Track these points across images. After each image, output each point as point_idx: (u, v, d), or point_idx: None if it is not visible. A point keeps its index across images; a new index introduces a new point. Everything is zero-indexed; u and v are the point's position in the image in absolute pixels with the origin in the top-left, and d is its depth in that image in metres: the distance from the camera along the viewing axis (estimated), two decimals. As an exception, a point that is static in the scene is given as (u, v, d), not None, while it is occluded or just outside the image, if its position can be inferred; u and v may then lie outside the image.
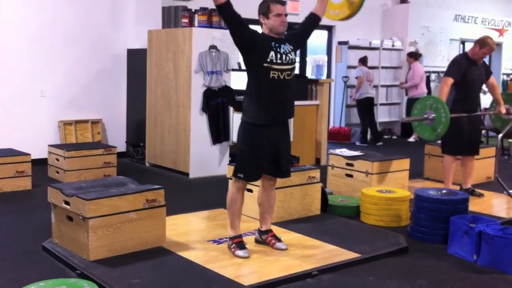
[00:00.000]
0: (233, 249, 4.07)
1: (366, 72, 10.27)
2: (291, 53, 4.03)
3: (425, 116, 5.54)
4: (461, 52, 13.17)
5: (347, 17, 4.63)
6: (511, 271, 3.94)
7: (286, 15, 3.98)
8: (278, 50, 3.96)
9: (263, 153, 4.03)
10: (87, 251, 3.87)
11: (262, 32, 4.05)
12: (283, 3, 4.00)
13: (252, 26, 4.04)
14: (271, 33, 4.00)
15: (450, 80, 5.63)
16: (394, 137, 11.41)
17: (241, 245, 4.08)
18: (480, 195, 6.07)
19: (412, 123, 5.83)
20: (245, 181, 4.11)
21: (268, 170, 4.12)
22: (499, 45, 14.07)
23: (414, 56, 10.81)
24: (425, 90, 10.68)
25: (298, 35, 4.25)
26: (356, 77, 10.27)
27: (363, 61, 10.43)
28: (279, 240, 4.26)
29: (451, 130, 5.51)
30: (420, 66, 10.81)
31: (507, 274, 3.93)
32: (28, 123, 7.41)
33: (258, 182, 4.32)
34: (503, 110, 6.03)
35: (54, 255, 4.04)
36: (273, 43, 3.96)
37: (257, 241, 4.33)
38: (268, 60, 3.90)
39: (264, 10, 3.96)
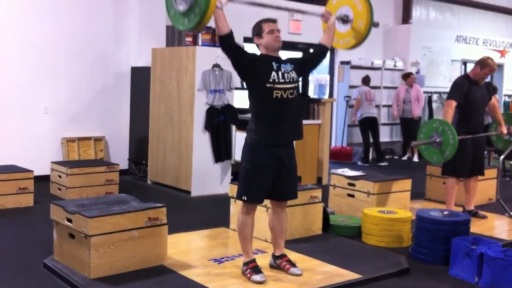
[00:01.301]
0: (248, 275, 4.00)
1: (365, 91, 10.28)
2: (292, 71, 4.04)
3: (432, 139, 5.55)
4: (462, 73, 13.25)
5: (353, 47, 4.65)
6: (513, 294, 3.94)
7: (278, 30, 4.01)
8: (280, 69, 3.98)
9: (267, 175, 3.98)
10: (89, 269, 3.87)
11: (260, 53, 4.08)
12: (274, 21, 4.03)
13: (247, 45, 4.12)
14: (268, 52, 4.03)
15: (454, 103, 5.65)
16: (396, 157, 11.41)
17: (257, 270, 4.01)
18: (484, 217, 6.06)
19: (418, 147, 5.83)
20: (249, 203, 4.03)
21: (274, 193, 4.07)
22: (500, 66, 14.14)
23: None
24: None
25: (303, 62, 4.26)
26: (354, 99, 10.33)
27: (365, 80, 10.48)
28: (293, 265, 4.19)
29: (457, 152, 5.51)
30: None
31: (509, 297, 3.93)
32: (31, 139, 7.43)
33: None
34: (505, 131, 6.05)
35: (55, 272, 4.04)
36: (273, 63, 3.98)
37: (271, 266, 4.26)
38: (271, 80, 3.92)
39: (257, 31, 4.02)
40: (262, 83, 3.92)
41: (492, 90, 6.11)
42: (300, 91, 10.80)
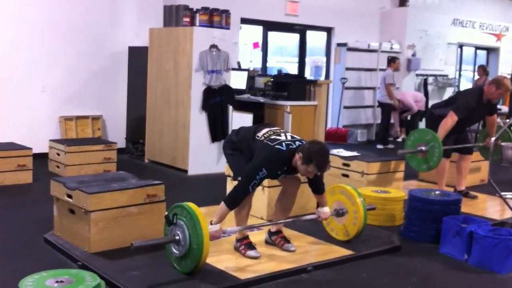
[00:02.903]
0: (243, 251, 4.10)
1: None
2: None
3: (419, 149, 5.77)
4: (458, 56, 13.32)
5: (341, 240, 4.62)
6: (500, 271, 4.05)
7: (315, 175, 3.92)
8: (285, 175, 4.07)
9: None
10: (89, 243, 3.97)
11: (282, 158, 3.88)
12: (322, 172, 3.91)
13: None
14: (294, 167, 3.90)
15: (456, 118, 5.70)
16: (391, 139, 11.50)
17: (251, 246, 4.11)
18: (474, 197, 6.19)
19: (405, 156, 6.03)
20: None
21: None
22: (496, 49, 14.22)
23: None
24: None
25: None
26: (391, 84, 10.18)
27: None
28: (288, 241, 4.29)
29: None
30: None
31: (496, 274, 4.04)
32: (29, 118, 7.50)
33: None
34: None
35: (56, 247, 4.14)
36: (279, 172, 3.98)
37: (267, 242, 4.37)
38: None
39: (306, 158, 3.77)
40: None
41: (494, 106, 6.17)
42: (297, 72, 10.81)
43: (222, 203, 3.85)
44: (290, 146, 3.86)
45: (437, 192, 4.98)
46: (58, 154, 6.70)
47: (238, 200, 3.87)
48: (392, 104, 10.27)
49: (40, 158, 6.88)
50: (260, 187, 4.77)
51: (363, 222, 4.38)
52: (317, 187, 4.20)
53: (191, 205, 3.65)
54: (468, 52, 14.04)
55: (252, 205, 4.17)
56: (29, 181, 6.25)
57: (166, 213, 3.79)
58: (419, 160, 5.87)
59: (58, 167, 6.70)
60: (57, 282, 3.18)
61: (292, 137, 3.98)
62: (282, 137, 3.93)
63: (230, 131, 7.33)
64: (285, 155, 3.84)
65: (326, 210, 4.29)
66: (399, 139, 11.31)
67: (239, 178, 3.93)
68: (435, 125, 5.83)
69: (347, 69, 11.08)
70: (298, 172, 4.00)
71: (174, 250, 3.69)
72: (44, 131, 7.55)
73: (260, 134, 3.99)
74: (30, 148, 6.34)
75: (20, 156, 6.21)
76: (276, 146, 3.84)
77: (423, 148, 5.74)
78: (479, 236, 4.19)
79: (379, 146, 10.15)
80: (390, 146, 10.21)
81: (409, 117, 11.42)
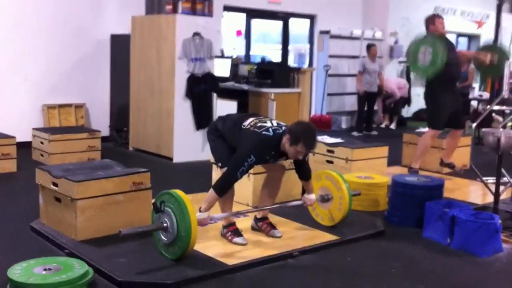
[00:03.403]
0: (229, 237, 4.13)
1: None
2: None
3: (422, 55, 5.78)
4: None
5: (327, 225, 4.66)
6: (481, 254, 4.13)
7: (305, 154, 3.99)
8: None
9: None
10: (75, 231, 3.98)
11: (270, 144, 3.92)
12: (311, 150, 3.97)
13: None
14: (283, 150, 3.93)
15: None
16: (374, 125, 11.59)
17: (238, 233, 4.15)
18: (460, 171, 6.47)
19: (412, 67, 6.13)
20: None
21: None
22: (477, 37, 14.33)
23: None
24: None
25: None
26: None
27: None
28: (274, 227, 4.34)
29: (433, 106, 5.72)
30: None
31: (477, 257, 4.12)
32: (12, 106, 7.45)
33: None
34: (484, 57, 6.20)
35: (42, 235, 4.14)
36: (267, 158, 4.01)
37: (253, 228, 4.42)
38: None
39: (293, 140, 3.81)
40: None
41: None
42: (280, 60, 10.80)
43: (211, 190, 3.88)
44: (277, 131, 3.92)
45: (420, 178, 5.05)
46: (42, 143, 6.67)
47: (227, 187, 3.90)
48: (358, 91, 10.27)
49: (24, 147, 6.84)
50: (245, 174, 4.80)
51: (348, 208, 4.44)
52: (304, 173, 4.24)
53: (179, 192, 3.67)
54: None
55: (236, 191, 4.20)
56: (13, 170, 6.22)
57: (154, 200, 3.81)
58: (423, 67, 5.86)
59: (42, 155, 6.68)
60: (45, 269, 3.21)
61: (277, 123, 4.03)
62: (268, 124, 3.97)
63: (214, 119, 7.35)
64: (273, 140, 3.89)
65: (312, 197, 4.35)
66: (383, 125, 11.42)
67: (223, 166, 3.98)
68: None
69: (330, 56, 11.12)
70: (286, 157, 4.04)
71: (162, 237, 3.72)
72: (27, 119, 7.50)
73: (246, 123, 4.02)
74: (14, 137, 6.31)
75: (3, 145, 6.18)
76: (264, 133, 3.89)
77: (427, 51, 5.74)
78: (461, 220, 4.26)
79: (354, 133, 10.16)
80: (374, 133, 10.28)
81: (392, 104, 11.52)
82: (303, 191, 5.38)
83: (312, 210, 4.68)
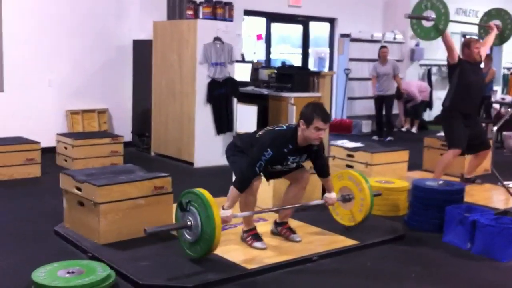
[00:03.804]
0: (250, 241, 4.18)
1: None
2: (298, 162, 4.19)
3: (426, 15, 5.85)
4: (460, 46, 13.29)
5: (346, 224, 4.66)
6: (502, 259, 4.11)
7: (324, 130, 3.99)
8: (285, 163, 4.13)
9: None
10: (98, 235, 4.05)
11: (285, 136, 4.02)
12: (327, 120, 3.97)
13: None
14: (301, 141, 4.00)
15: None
16: (395, 130, 11.54)
17: (258, 237, 4.20)
18: (481, 183, 6.34)
19: (411, 25, 6.05)
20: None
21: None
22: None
23: None
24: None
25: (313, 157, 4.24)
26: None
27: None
28: (293, 232, 4.38)
29: (448, 126, 5.68)
30: None
31: (498, 262, 4.10)
32: (36, 112, 7.57)
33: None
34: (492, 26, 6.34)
35: (66, 239, 4.23)
36: (285, 151, 4.02)
37: (273, 233, 4.46)
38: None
39: (307, 118, 3.91)
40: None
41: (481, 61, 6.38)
42: (300, 64, 10.81)
43: (232, 187, 3.96)
44: (290, 126, 4.12)
45: (440, 182, 5.03)
46: (66, 148, 6.78)
47: (247, 182, 3.96)
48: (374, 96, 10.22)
49: (48, 152, 6.97)
50: (264, 179, 4.83)
51: (369, 208, 4.45)
52: (323, 169, 4.30)
53: (203, 191, 3.77)
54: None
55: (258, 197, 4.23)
56: (37, 174, 6.33)
57: (180, 198, 3.88)
58: (426, 29, 5.87)
59: (65, 160, 6.78)
60: (68, 272, 3.29)
61: (289, 124, 4.27)
62: (280, 126, 4.19)
63: (235, 124, 7.42)
64: (287, 133, 4.02)
65: (333, 195, 4.39)
66: (404, 129, 11.36)
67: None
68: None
69: (351, 59, 11.10)
70: (306, 156, 4.12)
71: (187, 236, 3.79)
72: (51, 125, 7.62)
73: (260, 132, 4.20)
74: (38, 142, 6.42)
75: (28, 150, 6.29)
76: (277, 128, 4.11)
77: (432, 16, 5.79)
78: (482, 225, 4.24)
79: (375, 138, 10.11)
80: (390, 138, 10.03)
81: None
82: (323, 192, 5.41)
83: (332, 209, 4.70)
